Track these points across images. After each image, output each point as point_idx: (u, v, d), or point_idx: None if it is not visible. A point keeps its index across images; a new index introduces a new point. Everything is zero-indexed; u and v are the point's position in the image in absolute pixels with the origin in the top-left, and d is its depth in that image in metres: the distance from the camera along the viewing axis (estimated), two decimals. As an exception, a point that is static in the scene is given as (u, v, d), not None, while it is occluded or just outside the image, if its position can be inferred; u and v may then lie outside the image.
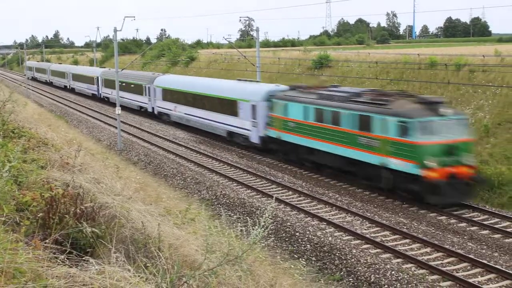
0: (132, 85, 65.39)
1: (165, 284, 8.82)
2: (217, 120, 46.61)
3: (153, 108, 60.51)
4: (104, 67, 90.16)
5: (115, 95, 62.43)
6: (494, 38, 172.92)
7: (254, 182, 33.62)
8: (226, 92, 45.61)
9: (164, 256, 10.20)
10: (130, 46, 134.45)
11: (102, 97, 79.71)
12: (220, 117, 45.96)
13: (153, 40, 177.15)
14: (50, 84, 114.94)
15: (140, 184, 25.89)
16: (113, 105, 63.16)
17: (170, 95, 55.57)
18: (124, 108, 61.24)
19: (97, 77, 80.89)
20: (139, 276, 8.69)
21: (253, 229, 10.86)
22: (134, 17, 46.76)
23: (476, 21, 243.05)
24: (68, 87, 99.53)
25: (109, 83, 72.41)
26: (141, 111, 65.28)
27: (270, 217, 10.72)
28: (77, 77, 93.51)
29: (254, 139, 40.88)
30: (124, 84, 64.20)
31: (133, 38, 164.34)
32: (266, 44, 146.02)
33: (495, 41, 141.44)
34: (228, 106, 44.57)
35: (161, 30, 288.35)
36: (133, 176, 26.21)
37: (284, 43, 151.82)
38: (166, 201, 24.88)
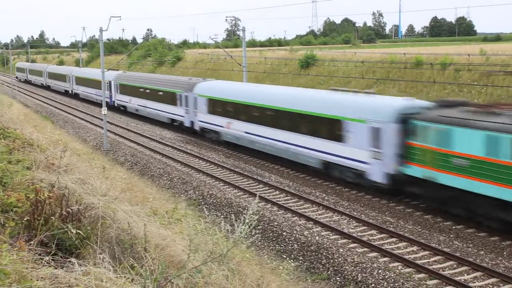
0: (161, 93, 54.59)
1: (151, 284, 8.80)
2: (306, 145, 34.05)
3: (192, 122, 48.64)
4: (118, 70, 72.79)
5: (134, 104, 61.44)
6: (479, 37, 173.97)
7: (241, 182, 33.59)
8: (323, 107, 33.22)
9: (151, 257, 10.19)
10: (116, 46, 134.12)
11: (116, 105, 67.58)
12: (311, 142, 33.61)
13: (139, 40, 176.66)
14: (47, 88, 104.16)
15: (126, 185, 25.81)
16: (131, 115, 63.04)
17: (222, 107, 43.33)
18: (147, 120, 59.16)
19: (110, 82, 66.98)
20: (124, 277, 8.66)
21: (237, 226, 10.87)
22: (120, 17, 46.59)
23: (461, 20, 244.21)
24: (71, 92, 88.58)
25: (127, 89, 63.85)
26: (172, 125, 53.89)
27: (254, 214, 10.73)
28: (82, 81, 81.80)
29: (376, 176, 29.02)
30: (147, 91, 57.85)
31: (119, 38, 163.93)
32: (253, 43, 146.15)
33: (480, 40, 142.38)
34: (327, 127, 32.41)
35: (147, 30, 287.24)
36: (119, 176, 26.12)
37: (271, 43, 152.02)
38: (152, 201, 24.82)
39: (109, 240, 11.40)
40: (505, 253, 21.87)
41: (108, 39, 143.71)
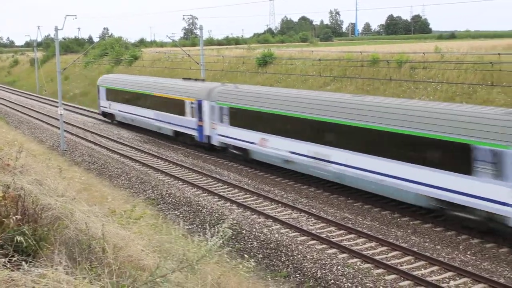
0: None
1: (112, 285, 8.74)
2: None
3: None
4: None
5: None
6: (434, 35, 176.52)
7: (200, 181, 33.52)
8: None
9: (109, 257, 10.11)
10: (72, 45, 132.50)
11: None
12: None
13: (96, 39, 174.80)
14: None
15: (84, 185, 25.60)
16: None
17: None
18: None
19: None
20: (83, 277, 8.58)
21: (207, 240, 10.85)
22: (75, 15, 45.99)
23: (416, 18, 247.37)
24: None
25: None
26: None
27: (229, 228, 10.74)
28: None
29: None
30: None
31: (75, 37, 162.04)
32: (210, 42, 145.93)
33: (435, 38, 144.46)
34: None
35: (104, 29, 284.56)
36: (76, 176, 25.86)
37: (228, 41, 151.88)
38: (111, 201, 24.65)
39: (66, 241, 11.28)
40: (461, 247, 22.25)
41: (64, 38, 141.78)
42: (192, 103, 40.84)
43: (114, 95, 54.19)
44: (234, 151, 37.22)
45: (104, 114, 57.58)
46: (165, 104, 44.71)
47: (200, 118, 40.02)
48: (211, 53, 74.74)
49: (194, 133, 41.08)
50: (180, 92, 43.09)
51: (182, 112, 42.26)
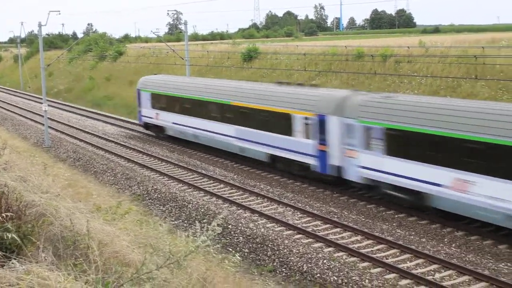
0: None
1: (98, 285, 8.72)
2: None
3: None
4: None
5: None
6: (418, 29, 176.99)
7: (186, 176, 33.47)
8: None
9: (94, 253, 10.07)
10: (56, 41, 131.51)
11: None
12: None
13: (80, 35, 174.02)
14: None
15: (69, 181, 25.53)
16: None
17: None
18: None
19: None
20: (67, 274, 8.55)
21: (194, 236, 10.84)
22: (59, 11, 45.75)
23: (401, 12, 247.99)
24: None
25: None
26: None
27: (219, 225, 10.74)
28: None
29: None
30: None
31: (59, 33, 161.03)
32: (195, 37, 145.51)
33: (420, 32, 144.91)
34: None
35: (88, 24, 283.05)
36: (61, 173, 25.82)
37: (213, 37, 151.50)
38: (96, 197, 24.61)
39: (51, 238, 11.25)
40: (446, 239, 22.37)
41: (48, 34, 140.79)
42: (306, 118, 29.88)
43: (165, 102, 42.95)
44: (394, 193, 25.91)
45: (147, 125, 46.00)
46: (255, 118, 33.66)
47: (323, 141, 29.03)
48: (196, 48, 74.61)
49: (310, 160, 29.85)
50: (284, 102, 31.82)
51: (286, 131, 31.25)
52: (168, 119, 42.77)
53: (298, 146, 30.52)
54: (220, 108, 36.69)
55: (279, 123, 31.73)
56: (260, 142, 33.32)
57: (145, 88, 45.67)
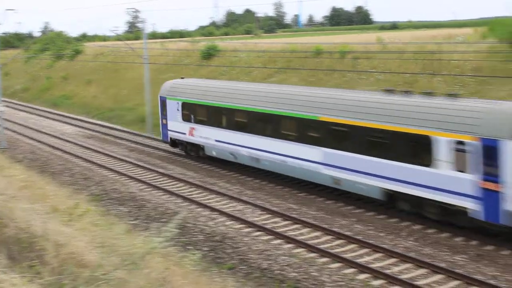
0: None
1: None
2: None
3: None
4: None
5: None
6: (376, 26, 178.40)
7: (145, 175, 33.31)
8: None
9: (50, 254, 10.01)
10: (13, 41, 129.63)
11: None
12: None
13: (37, 33, 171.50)
14: None
15: (25, 183, 25.15)
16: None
17: None
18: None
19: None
20: (22, 276, 8.49)
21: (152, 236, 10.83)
22: (14, 9, 45.21)
23: (359, 9, 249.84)
24: None
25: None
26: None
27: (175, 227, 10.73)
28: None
29: None
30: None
31: (16, 32, 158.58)
32: (154, 35, 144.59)
33: (377, 29, 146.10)
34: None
35: (45, 23, 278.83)
36: (17, 174, 25.43)
37: (173, 35, 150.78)
38: (53, 198, 24.28)
39: (6, 240, 11.13)
40: (403, 233, 22.67)
41: (4, 33, 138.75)
42: (460, 143, 21.48)
43: (205, 114, 34.51)
44: None
45: (175, 143, 37.55)
46: (361, 139, 25.15)
47: (492, 176, 20.50)
48: (155, 46, 74.16)
49: (466, 203, 21.34)
50: (415, 119, 23.22)
51: (420, 159, 23.01)
52: (209, 136, 34.12)
53: (442, 181, 22.12)
54: (300, 124, 28.10)
55: (406, 147, 23.42)
56: (369, 173, 24.81)
57: (173, 96, 36.85)
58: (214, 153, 33.98)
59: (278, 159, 29.35)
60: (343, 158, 25.87)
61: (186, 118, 35.65)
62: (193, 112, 35.14)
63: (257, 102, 30.89)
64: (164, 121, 37.76)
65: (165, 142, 38.54)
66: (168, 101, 37.15)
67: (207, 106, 34.07)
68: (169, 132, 37.40)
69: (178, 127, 36.36)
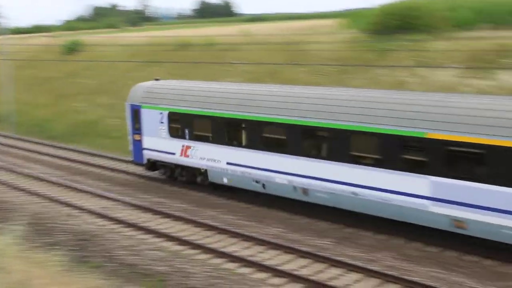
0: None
1: None
2: None
3: None
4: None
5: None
6: (244, 18, 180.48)
7: (4, 176, 32.04)
8: None
9: None
10: None
11: None
12: None
13: None
14: None
15: None
16: None
17: None
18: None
19: None
20: None
21: None
22: None
23: (226, 2, 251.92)
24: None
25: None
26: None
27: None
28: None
29: None
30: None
31: None
32: (17, 31, 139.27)
33: (245, 21, 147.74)
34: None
35: None
36: None
37: (39, 30, 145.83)
38: None
39: None
40: (266, 221, 23.01)
41: None
42: None
43: (208, 128, 26.01)
44: None
45: (154, 164, 29.23)
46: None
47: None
48: (17, 42, 71.48)
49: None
50: None
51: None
52: (217, 157, 25.88)
53: None
54: (388, 143, 19.75)
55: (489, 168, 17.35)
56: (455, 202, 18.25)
57: (152, 104, 28.46)
58: (225, 180, 25.91)
59: (344, 191, 21.24)
60: (469, 191, 17.97)
61: (175, 134, 27.49)
62: (188, 125, 26.87)
63: (308, 113, 22.27)
64: (136, 136, 29.47)
65: (138, 164, 30.21)
66: (143, 111, 28.80)
67: (216, 117, 25.63)
68: (144, 152, 29.17)
69: (161, 145, 28.17)
